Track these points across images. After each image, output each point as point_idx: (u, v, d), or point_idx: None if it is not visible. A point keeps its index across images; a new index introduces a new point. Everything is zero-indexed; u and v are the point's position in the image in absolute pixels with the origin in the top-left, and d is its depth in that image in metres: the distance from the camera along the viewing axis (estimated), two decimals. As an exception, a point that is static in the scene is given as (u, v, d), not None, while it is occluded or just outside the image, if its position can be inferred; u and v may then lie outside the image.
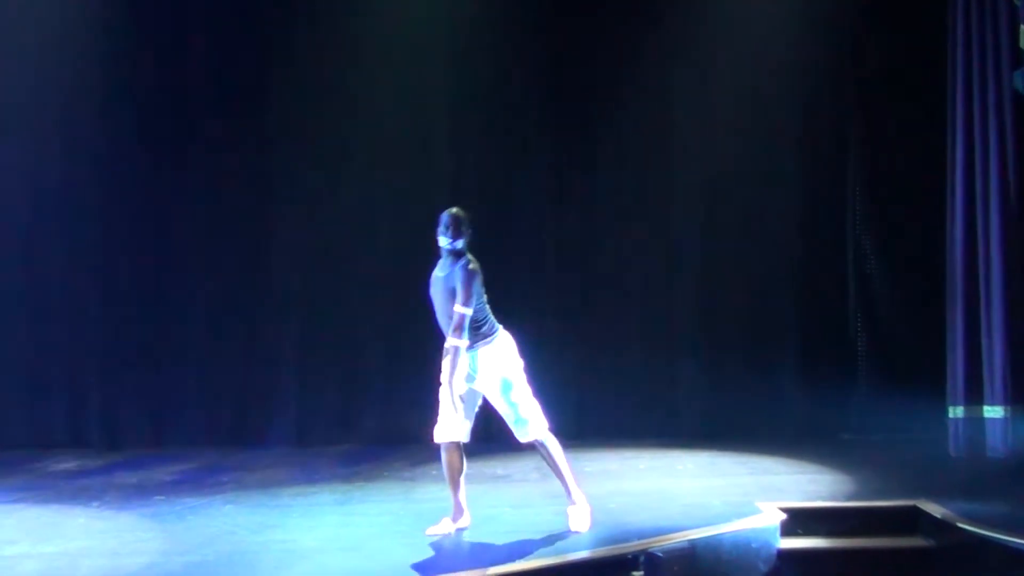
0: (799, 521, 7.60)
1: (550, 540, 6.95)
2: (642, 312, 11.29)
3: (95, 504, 8.44)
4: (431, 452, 7.64)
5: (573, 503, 7.20)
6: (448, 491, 7.27)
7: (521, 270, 11.02)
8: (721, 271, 11.28)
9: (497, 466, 9.25)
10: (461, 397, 6.98)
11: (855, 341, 11.30)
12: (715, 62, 11.29)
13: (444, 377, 6.93)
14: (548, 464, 7.21)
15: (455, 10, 11.27)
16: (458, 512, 7.27)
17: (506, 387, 7.05)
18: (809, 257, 11.31)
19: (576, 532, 7.05)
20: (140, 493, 8.83)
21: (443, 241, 7.02)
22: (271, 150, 11.20)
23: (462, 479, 7.24)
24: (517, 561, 6.48)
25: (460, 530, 7.20)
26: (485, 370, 7.04)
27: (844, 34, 11.33)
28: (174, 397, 11.11)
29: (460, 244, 7.01)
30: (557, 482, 7.25)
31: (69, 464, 10.27)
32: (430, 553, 6.81)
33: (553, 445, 7.14)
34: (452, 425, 7.05)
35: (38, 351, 11.09)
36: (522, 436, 7.11)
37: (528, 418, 7.06)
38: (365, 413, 11.02)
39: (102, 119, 11.09)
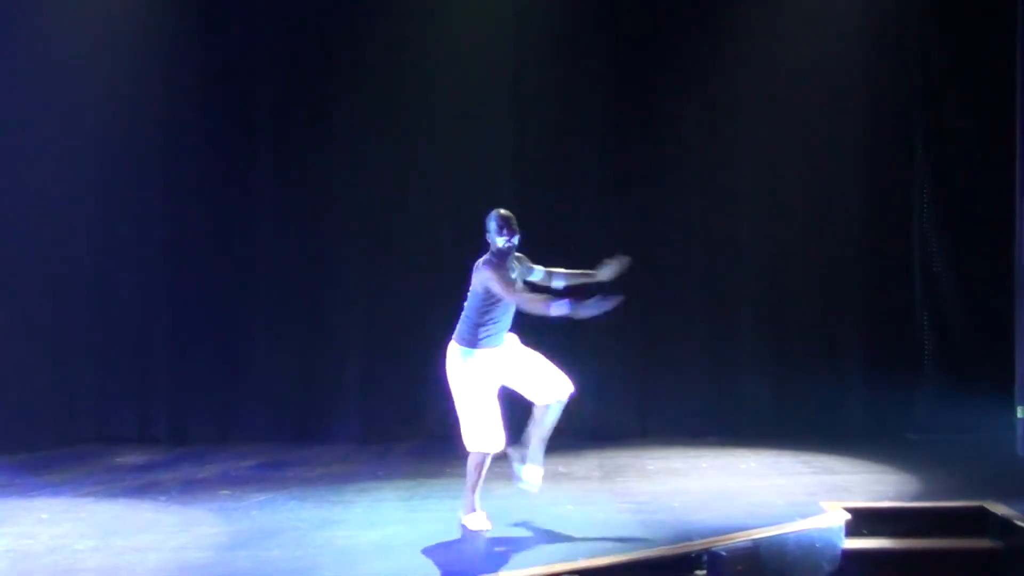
0: (864, 521, 7.56)
1: (612, 537, 6.96)
2: (706, 310, 11.21)
3: (162, 499, 8.56)
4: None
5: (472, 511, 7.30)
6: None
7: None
8: (786, 269, 11.19)
9: (559, 463, 9.24)
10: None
11: (922, 339, 11.15)
12: (780, 58, 11.19)
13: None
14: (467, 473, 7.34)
15: (518, 3, 11.27)
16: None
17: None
18: (875, 255, 11.19)
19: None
20: (206, 488, 8.94)
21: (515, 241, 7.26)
22: (336, 146, 11.25)
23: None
24: (580, 558, 6.48)
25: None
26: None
27: (911, 28, 11.19)
28: (240, 393, 11.23)
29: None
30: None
31: (137, 459, 10.41)
32: (493, 550, 6.83)
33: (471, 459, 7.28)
34: (499, 433, 7.25)
35: (106, 348, 11.24)
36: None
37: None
38: (428, 410, 11.03)
39: (169, 117, 11.19)
